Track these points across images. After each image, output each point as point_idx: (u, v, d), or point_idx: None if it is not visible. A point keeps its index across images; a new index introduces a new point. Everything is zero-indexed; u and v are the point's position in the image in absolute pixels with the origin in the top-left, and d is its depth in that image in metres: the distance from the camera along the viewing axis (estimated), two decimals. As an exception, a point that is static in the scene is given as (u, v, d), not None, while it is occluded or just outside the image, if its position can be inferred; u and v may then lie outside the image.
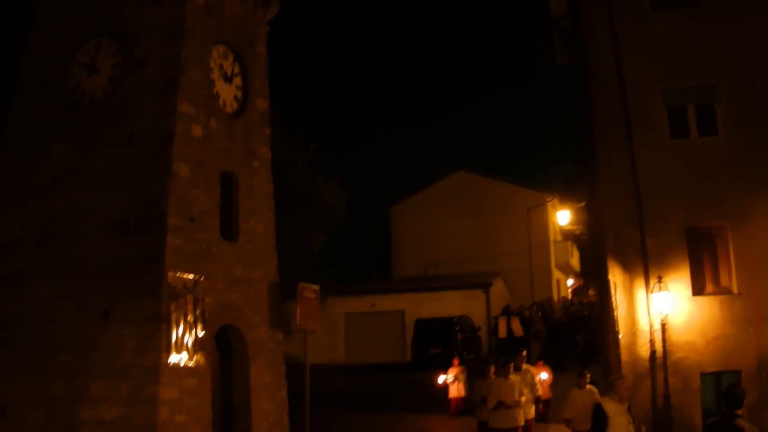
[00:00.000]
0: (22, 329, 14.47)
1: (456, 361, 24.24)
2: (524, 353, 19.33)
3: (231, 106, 16.00)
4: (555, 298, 44.68)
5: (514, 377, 16.75)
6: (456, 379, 23.67)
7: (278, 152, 21.95)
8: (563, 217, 44.96)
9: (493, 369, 19.70)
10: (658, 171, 19.83)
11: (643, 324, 19.37)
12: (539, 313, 33.79)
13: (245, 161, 16.25)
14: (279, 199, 18.12)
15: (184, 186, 14.16)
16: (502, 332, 28.20)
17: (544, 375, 21.18)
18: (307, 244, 28.53)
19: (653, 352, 19.07)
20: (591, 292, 35.99)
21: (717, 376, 18.77)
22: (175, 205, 13.91)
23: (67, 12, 15.90)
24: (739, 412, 9.25)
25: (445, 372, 24.22)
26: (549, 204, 47.09)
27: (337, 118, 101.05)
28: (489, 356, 28.84)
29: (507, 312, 31.58)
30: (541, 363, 22.06)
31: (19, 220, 15.08)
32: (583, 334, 29.60)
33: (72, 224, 14.44)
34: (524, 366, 18.86)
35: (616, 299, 19.80)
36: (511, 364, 17.03)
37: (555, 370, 21.49)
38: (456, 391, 23.66)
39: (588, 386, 16.95)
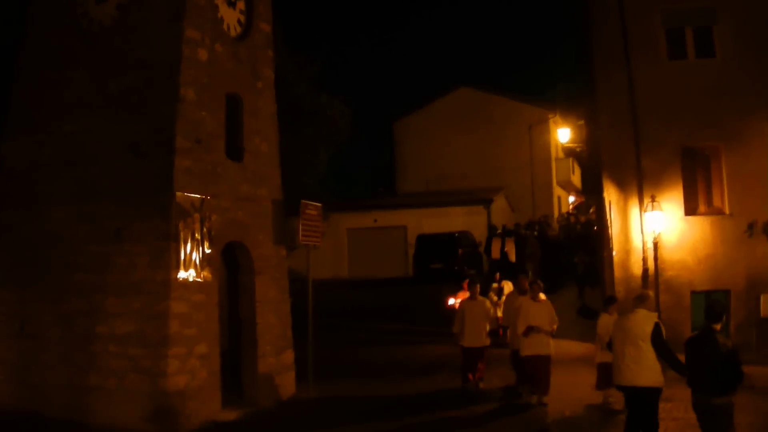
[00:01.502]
0: (39, 249, 15.02)
1: (466, 284, 20.56)
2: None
3: (235, 29, 16.24)
4: (555, 214, 45.11)
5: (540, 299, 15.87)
6: None
7: (282, 71, 22.16)
8: (564, 134, 45.20)
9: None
10: (655, 91, 20.19)
11: (636, 242, 19.95)
12: (535, 233, 33.02)
13: (250, 83, 16.55)
14: (284, 117, 18.41)
15: (191, 109, 14.52)
16: (496, 253, 27.88)
17: None
18: (312, 161, 28.78)
19: (645, 270, 19.68)
20: (592, 210, 35.27)
21: (707, 294, 19.41)
22: (183, 127, 14.28)
23: (75, -63, 16.03)
24: (717, 326, 9.84)
25: (451, 293, 22.55)
26: (551, 121, 47.24)
27: (340, 35, 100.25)
28: (491, 272, 27.09)
29: (503, 233, 31.11)
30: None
31: (34, 145, 15.45)
32: (581, 255, 28.43)
33: (86, 148, 14.81)
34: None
35: (610, 217, 20.34)
36: (539, 284, 16.34)
37: (548, 293, 19.99)
38: None
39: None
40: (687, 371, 10.09)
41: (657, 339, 10.75)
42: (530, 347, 15.15)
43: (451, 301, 22.22)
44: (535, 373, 15.16)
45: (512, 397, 16.05)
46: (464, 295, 20.03)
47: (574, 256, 28.89)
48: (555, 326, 15.57)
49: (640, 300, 11.38)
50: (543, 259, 29.54)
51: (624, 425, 11.43)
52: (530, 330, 15.06)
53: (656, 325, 10.88)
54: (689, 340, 10.25)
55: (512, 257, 26.72)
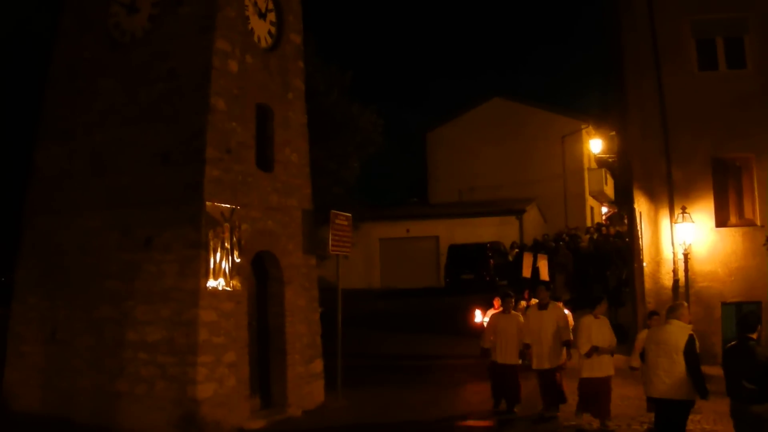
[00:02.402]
0: (70, 256, 15.23)
1: (497, 302, 18.91)
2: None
3: (265, 41, 16.41)
4: (589, 225, 44.87)
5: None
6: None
7: (314, 81, 22.32)
8: (596, 145, 45.02)
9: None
10: (685, 102, 20.13)
11: (667, 253, 19.87)
12: (564, 244, 32.13)
13: (280, 94, 16.70)
14: (315, 127, 18.51)
15: (221, 119, 14.68)
16: (527, 271, 24.93)
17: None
18: (343, 171, 28.89)
19: (676, 281, 19.58)
20: (625, 220, 34.94)
21: (738, 306, 19.24)
22: (213, 137, 14.43)
23: (106, -50, 16.28)
24: (753, 336, 9.80)
25: (481, 307, 21.18)
26: (584, 131, 47.07)
27: (373, 46, 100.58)
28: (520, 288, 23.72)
29: (534, 248, 29.81)
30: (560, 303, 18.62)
31: (67, 153, 15.69)
32: (613, 269, 27.33)
33: (117, 157, 15.03)
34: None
35: (641, 228, 20.27)
36: (604, 302, 14.85)
37: (576, 309, 19.48)
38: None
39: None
40: (725, 381, 10.02)
41: (690, 352, 10.67)
42: (591, 369, 14.00)
43: (479, 317, 20.99)
44: (595, 396, 14.00)
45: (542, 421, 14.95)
46: (494, 312, 18.31)
47: (606, 269, 27.89)
48: (614, 344, 14.33)
49: (673, 311, 11.28)
50: (573, 272, 28.75)
51: None
52: (594, 351, 13.86)
53: (690, 338, 10.79)
54: (727, 350, 10.22)
55: (544, 274, 24.15)
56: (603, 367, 13.94)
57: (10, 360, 15.65)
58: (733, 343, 10.12)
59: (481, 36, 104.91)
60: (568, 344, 15.09)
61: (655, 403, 11.31)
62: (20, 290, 15.89)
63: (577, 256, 30.51)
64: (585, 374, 14.06)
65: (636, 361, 14.06)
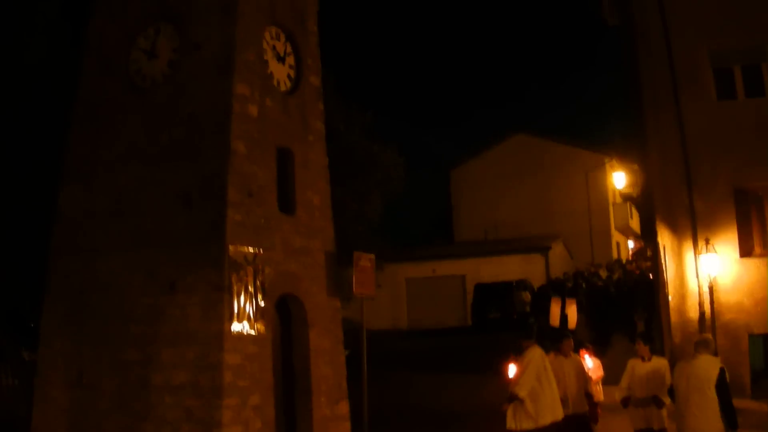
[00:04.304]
0: (94, 298, 15.27)
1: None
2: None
3: (285, 84, 16.57)
4: (619, 258, 44.64)
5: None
6: None
7: (334, 121, 22.48)
8: (619, 179, 44.97)
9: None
10: (705, 132, 20.12)
11: (691, 286, 19.74)
12: (583, 284, 31.16)
13: (300, 136, 16.82)
14: (336, 167, 18.59)
15: (242, 162, 14.80)
16: (554, 319, 23.07)
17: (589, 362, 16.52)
18: (366, 210, 29.00)
19: (702, 314, 19.43)
20: (649, 254, 33.99)
21: (765, 337, 19.12)
22: (234, 180, 14.53)
23: (126, -4, 16.60)
24: None
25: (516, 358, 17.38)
26: (608, 165, 47.06)
27: (394, 85, 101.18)
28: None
29: (560, 288, 28.09)
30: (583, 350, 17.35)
31: (89, 195, 15.81)
32: (640, 312, 25.50)
33: (139, 199, 15.14)
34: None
35: (665, 261, 20.18)
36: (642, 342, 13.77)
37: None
38: None
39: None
40: None
41: (722, 385, 10.64)
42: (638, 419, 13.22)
43: (513, 370, 16.35)
44: None
45: None
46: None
47: (631, 311, 26.16)
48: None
49: (703, 345, 11.23)
50: (591, 314, 26.99)
51: None
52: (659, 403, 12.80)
53: (721, 371, 10.76)
54: None
55: (573, 322, 22.56)
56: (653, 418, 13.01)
57: (38, 404, 15.66)
58: None
59: (502, 72, 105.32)
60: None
61: None
62: (46, 334, 15.93)
63: (596, 296, 29.42)
64: (637, 426, 13.28)
65: (623, 393, 13.35)
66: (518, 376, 13.38)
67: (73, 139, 16.54)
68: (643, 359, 13.25)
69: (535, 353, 13.54)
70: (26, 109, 19.87)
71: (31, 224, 19.42)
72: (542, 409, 12.96)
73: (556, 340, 15.55)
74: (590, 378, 15.14)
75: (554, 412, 13.12)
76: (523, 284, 37.22)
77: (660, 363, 13.27)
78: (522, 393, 13.06)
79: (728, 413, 10.57)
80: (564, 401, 14.29)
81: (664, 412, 12.93)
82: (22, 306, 22.56)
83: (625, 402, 13.27)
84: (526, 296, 34.91)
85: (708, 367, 10.82)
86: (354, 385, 17.38)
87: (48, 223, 16.61)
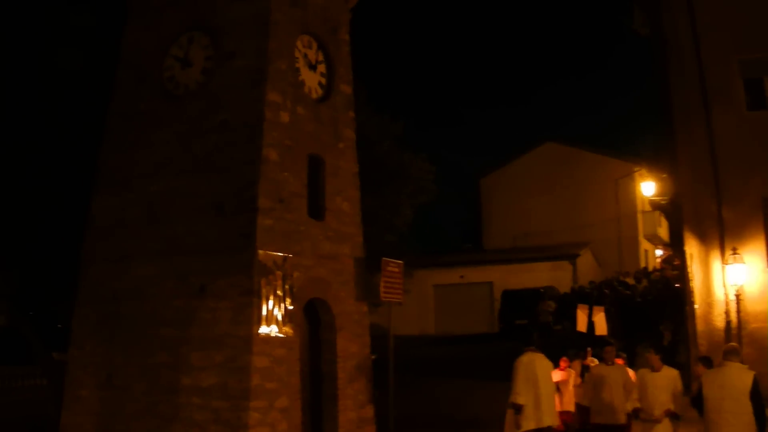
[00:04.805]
0: (125, 304, 15.63)
1: (564, 363, 17.63)
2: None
3: (316, 92, 16.81)
4: (649, 267, 44.44)
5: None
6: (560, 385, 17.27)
7: (365, 130, 22.65)
8: (648, 187, 44.74)
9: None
10: (734, 142, 20.10)
11: (718, 295, 19.71)
12: (606, 292, 30.82)
13: (331, 144, 17.05)
14: (367, 175, 18.83)
15: (273, 170, 15.05)
16: (581, 325, 22.41)
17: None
18: (395, 218, 29.13)
19: (728, 323, 19.38)
20: (677, 262, 33.27)
21: (792, 346, 19.08)
22: (266, 187, 14.80)
23: (162, 6, 16.86)
24: None
25: None
26: (636, 174, 46.88)
27: (425, 96, 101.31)
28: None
29: (590, 299, 27.36)
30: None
31: (122, 203, 16.17)
32: (667, 324, 24.73)
33: (171, 206, 15.48)
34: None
35: (692, 270, 20.18)
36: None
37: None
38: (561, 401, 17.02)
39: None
40: None
41: (756, 393, 10.78)
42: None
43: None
44: None
45: None
46: (563, 373, 17.40)
47: (657, 320, 25.47)
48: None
49: (734, 353, 11.32)
50: (616, 323, 25.61)
51: None
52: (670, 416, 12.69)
53: (755, 379, 10.92)
54: None
55: (602, 329, 21.70)
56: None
57: (68, 404, 16.04)
58: None
59: (532, 79, 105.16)
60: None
61: None
62: (77, 336, 16.31)
63: (621, 305, 28.79)
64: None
65: (634, 404, 13.15)
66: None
67: (107, 148, 16.91)
68: (652, 369, 13.14)
69: (523, 359, 13.52)
70: (62, 118, 20.20)
71: (62, 229, 19.73)
72: (528, 415, 13.02)
73: (595, 347, 15.61)
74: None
75: (540, 419, 13.04)
76: (550, 291, 37.23)
77: (671, 373, 13.15)
78: (520, 399, 13.14)
79: (761, 420, 10.65)
80: (610, 409, 14.31)
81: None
82: (51, 308, 22.89)
83: (636, 413, 13.10)
84: (550, 305, 34.77)
85: (740, 375, 10.93)
86: (380, 390, 17.55)
87: (80, 229, 16.93)
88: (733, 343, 13.33)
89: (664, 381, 12.89)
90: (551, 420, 13.11)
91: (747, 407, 10.66)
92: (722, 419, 10.82)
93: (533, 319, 34.08)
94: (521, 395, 13.05)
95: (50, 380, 18.64)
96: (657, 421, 12.70)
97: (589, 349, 18.87)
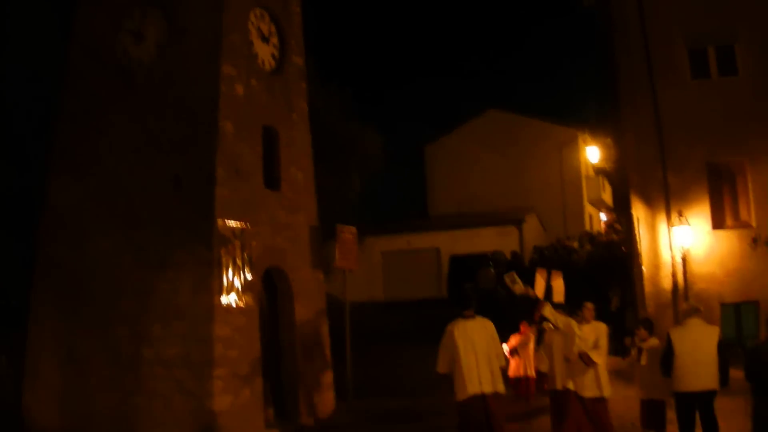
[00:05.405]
0: (84, 280, 15.65)
1: (524, 327, 17.61)
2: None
3: (269, 64, 16.90)
4: (589, 231, 45.02)
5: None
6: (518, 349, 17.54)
7: (314, 101, 22.74)
8: (593, 153, 45.35)
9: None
10: (679, 110, 20.56)
11: (665, 257, 20.26)
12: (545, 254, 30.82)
13: (285, 115, 17.18)
14: (317, 146, 18.98)
15: (229, 142, 15.16)
16: (539, 289, 19.63)
17: None
18: (345, 188, 29.29)
19: (675, 284, 19.96)
20: (618, 227, 32.33)
21: (736, 306, 19.68)
22: (223, 159, 14.92)
23: (112, -20, 16.75)
24: None
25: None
26: (580, 140, 47.36)
27: (371, 66, 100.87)
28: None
29: (548, 263, 25.19)
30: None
31: (79, 182, 16.13)
32: (615, 290, 24.35)
33: (129, 182, 15.50)
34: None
35: (639, 233, 20.68)
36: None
37: None
38: (519, 366, 17.55)
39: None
40: (755, 379, 10.50)
41: (722, 346, 11.31)
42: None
43: (506, 348, 15.97)
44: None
45: None
46: (519, 338, 17.44)
47: (603, 284, 24.82)
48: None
49: (695, 311, 11.78)
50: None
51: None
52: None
53: (719, 333, 11.47)
54: (753, 350, 10.82)
55: (559, 295, 19.23)
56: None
57: (29, 381, 16.04)
58: (758, 343, 10.52)
59: (476, 45, 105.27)
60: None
61: (693, 398, 11.39)
62: (36, 313, 16.27)
63: (569, 270, 26.04)
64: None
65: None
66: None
67: (62, 130, 16.76)
68: (583, 319, 13.04)
69: (453, 326, 12.71)
70: (16, 101, 20.00)
71: (17, 209, 19.59)
72: (459, 384, 12.14)
73: (568, 308, 14.31)
74: None
75: (476, 386, 12.00)
76: (497, 256, 37.48)
77: (599, 326, 13.02)
78: (440, 369, 12.63)
79: (724, 371, 11.18)
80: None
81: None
82: (5, 285, 22.70)
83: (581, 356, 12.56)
84: (490, 271, 34.92)
85: (707, 330, 11.47)
86: (337, 356, 17.81)
87: (36, 209, 16.84)
88: (695, 303, 13.67)
89: (591, 333, 12.70)
90: (491, 387, 12.04)
91: (715, 359, 11.15)
92: (693, 372, 11.24)
93: (474, 285, 34.42)
94: (440, 365, 12.52)
95: (7, 357, 18.54)
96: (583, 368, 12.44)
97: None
